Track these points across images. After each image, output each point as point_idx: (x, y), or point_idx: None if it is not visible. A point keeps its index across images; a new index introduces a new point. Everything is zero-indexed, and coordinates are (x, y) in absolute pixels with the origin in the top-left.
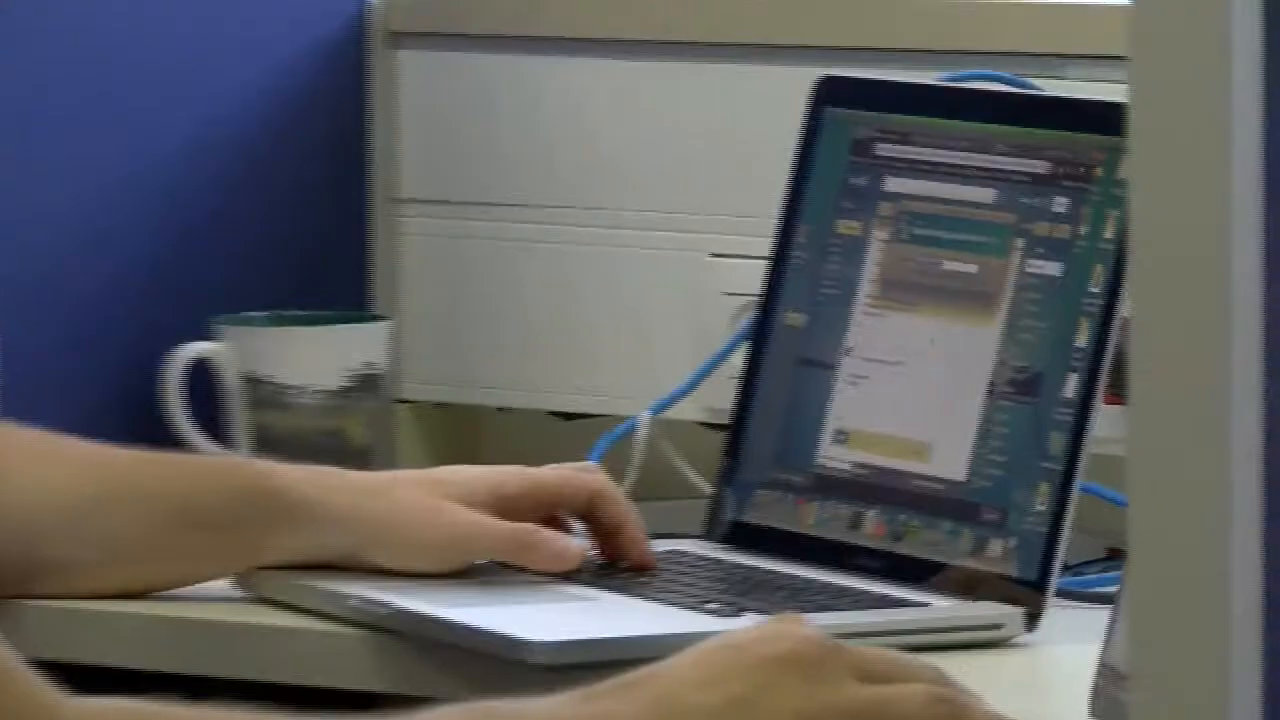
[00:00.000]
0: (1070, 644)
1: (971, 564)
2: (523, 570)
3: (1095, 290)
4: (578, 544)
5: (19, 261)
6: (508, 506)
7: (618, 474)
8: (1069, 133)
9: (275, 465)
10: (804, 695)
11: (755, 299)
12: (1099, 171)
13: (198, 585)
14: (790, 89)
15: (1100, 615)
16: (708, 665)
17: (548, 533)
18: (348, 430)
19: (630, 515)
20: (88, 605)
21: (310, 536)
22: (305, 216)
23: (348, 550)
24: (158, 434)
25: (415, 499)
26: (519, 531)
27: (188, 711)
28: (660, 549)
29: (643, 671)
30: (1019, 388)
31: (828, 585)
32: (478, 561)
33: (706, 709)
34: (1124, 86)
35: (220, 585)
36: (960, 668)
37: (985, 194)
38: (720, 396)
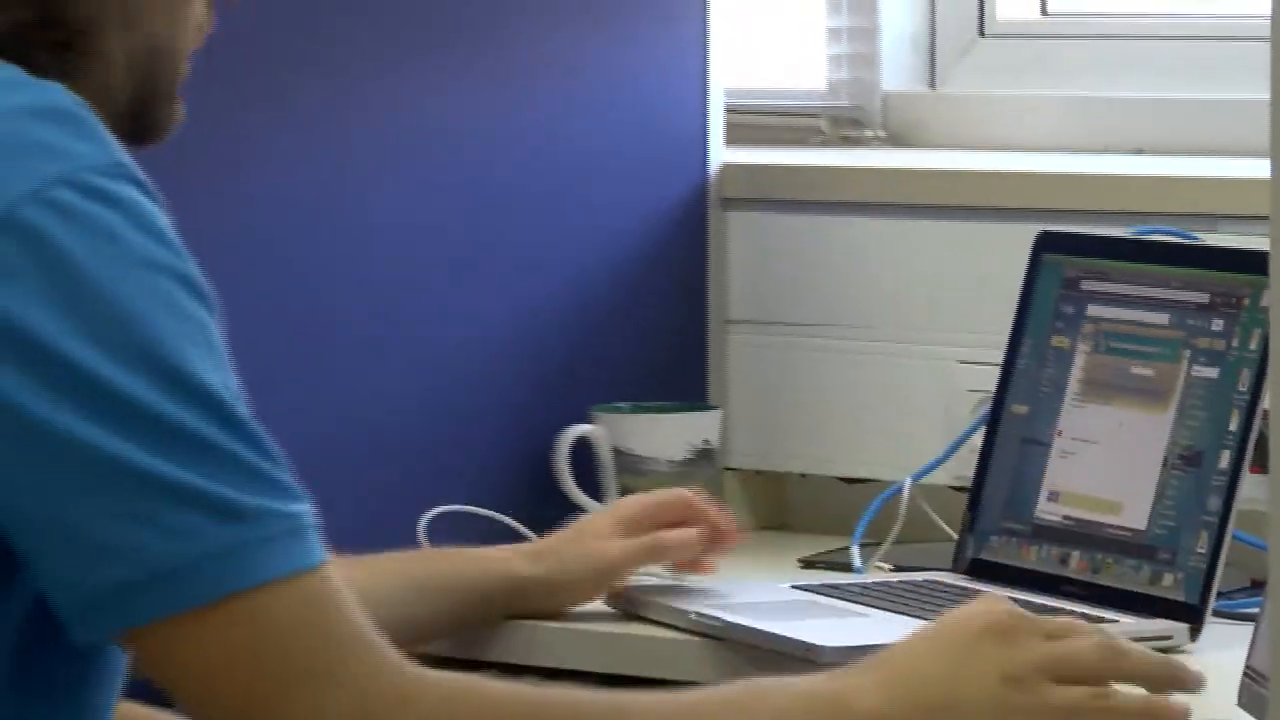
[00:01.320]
0: (1223, 652)
1: (1150, 591)
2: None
3: (1243, 389)
4: (693, 532)
5: (466, 365)
6: (633, 528)
7: (888, 524)
8: (1223, 273)
9: (510, 557)
10: (1004, 657)
11: (990, 394)
12: (1246, 301)
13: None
14: (1018, 239)
15: (1246, 630)
16: (929, 643)
17: (668, 533)
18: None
19: (713, 510)
20: None
21: (532, 603)
22: (659, 332)
23: (551, 604)
24: (551, 491)
25: (577, 552)
26: (646, 542)
27: (509, 686)
28: (918, 578)
29: (881, 654)
30: (1185, 461)
31: (1044, 606)
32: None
33: (930, 675)
34: (1264, 238)
35: (595, 604)
36: None
37: (1161, 317)
38: (964, 466)
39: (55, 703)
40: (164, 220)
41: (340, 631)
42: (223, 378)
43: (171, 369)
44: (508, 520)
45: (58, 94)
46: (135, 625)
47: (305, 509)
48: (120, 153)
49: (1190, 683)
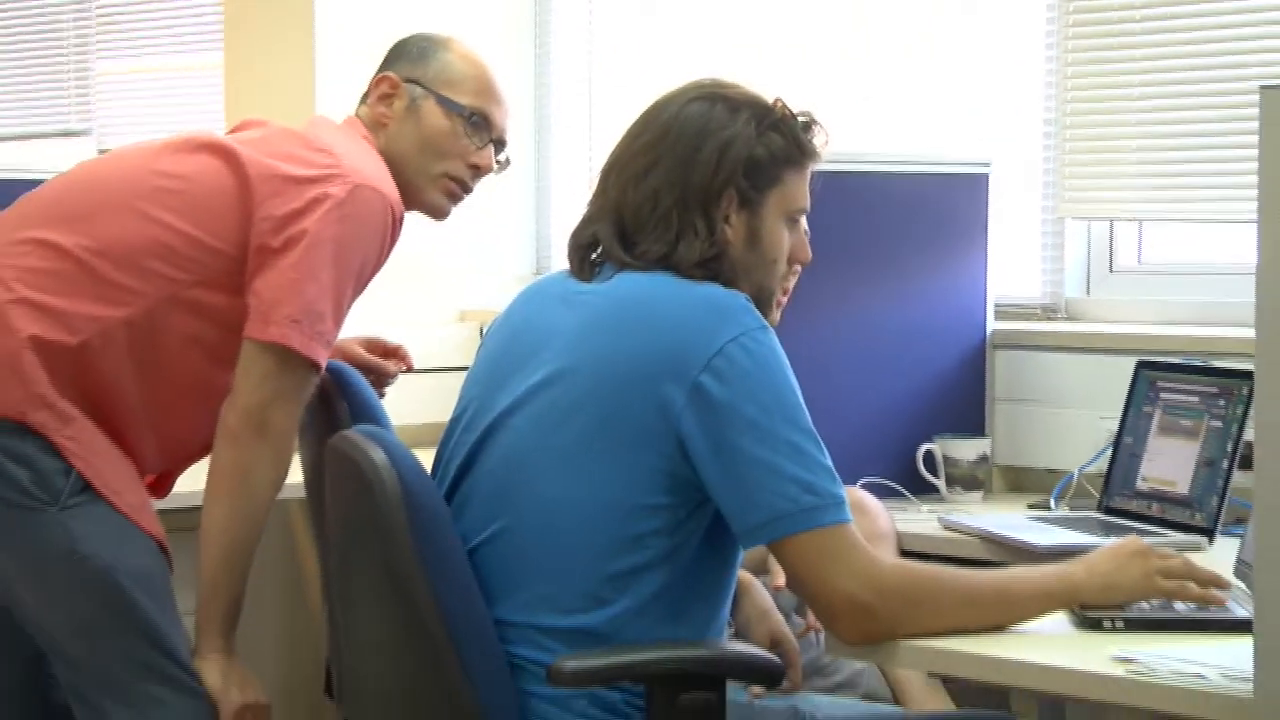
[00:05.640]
0: (1226, 552)
1: (1189, 521)
2: None
3: (1233, 432)
4: None
5: (878, 416)
6: None
7: (1069, 490)
8: (1227, 379)
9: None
10: (1143, 564)
11: (1115, 433)
12: (1236, 393)
13: None
14: (1129, 364)
15: (1237, 541)
16: (1107, 554)
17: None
18: (979, 475)
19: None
20: None
21: None
22: (966, 402)
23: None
24: (915, 473)
25: None
26: None
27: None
28: (1082, 514)
29: (1082, 556)
30: (1207, 464)
31: (1143, 530)
32: None
33: (1107, 568)
34: (1249, 361)
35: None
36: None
37: (1194, 399)
38: (1102, 465)
39: (715, 569)
40: (780, 347)
41: (857, 549)
42: (808, 416)
43: (796, 418)
44: (897, 486)
45: (737, 296)
46: (768, 543)
47: (843, 491)
48: (762, 319)
49: (1220, 581)
